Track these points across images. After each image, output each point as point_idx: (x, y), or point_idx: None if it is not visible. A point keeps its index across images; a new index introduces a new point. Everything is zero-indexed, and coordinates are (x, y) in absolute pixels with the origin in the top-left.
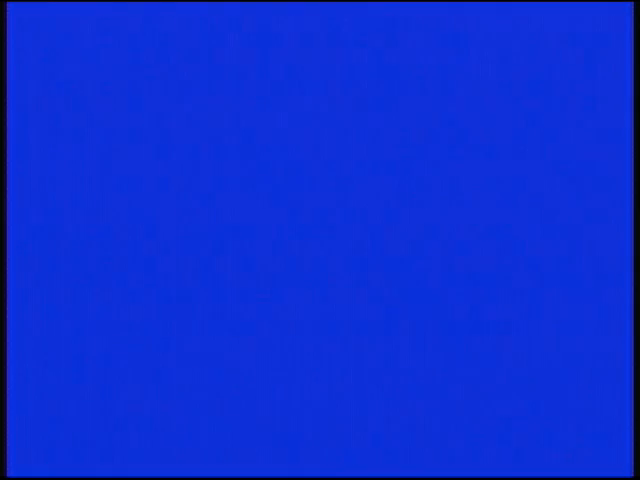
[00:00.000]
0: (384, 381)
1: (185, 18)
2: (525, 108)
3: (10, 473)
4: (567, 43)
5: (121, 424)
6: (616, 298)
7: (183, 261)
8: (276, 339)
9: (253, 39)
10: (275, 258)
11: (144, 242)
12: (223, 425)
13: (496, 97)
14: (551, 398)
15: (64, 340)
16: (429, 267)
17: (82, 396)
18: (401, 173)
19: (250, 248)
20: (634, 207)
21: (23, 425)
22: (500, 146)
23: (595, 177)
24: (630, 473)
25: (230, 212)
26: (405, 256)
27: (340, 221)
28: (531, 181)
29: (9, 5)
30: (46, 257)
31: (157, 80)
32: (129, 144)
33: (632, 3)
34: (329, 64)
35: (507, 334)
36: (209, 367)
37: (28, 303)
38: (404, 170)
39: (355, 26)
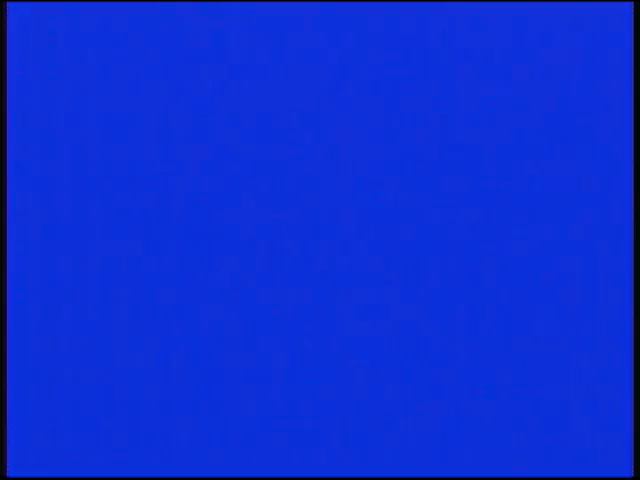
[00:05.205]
0: (384, 381)
1: (185, 18)
2: (524, 108)
3: (10, 473)
4: (567, 43)
5: (121, 424)
6: (616, 298)
7: (182, 261)
8: (275, 339)
9: (252, 39)
10: (274, 258)
11: (143, 241)
12: (222, 425)
13: (495, 97)
14: (551, 398)
15: (64, 340)
16: (428, 267)
17: (82, 396)
18: (400, 173)
19: (249, 250)
20: (634, 207)
21: (23, 425)
22: (500, 146)
23: (595, 177)
24: (630, 473)
25: (229, 214)
26: (404, 256)
27: (339, 221)
28: (531, 182)
29: (9, 5)
30: (46, 257)
31: (157, 80)
32: (129, 144)
33: (632, 3)
34: (328, 64)
35: (507, 334)
36: (209, 366)
37: (28, 303)
38: (403, 170)
39: (354, 26)
